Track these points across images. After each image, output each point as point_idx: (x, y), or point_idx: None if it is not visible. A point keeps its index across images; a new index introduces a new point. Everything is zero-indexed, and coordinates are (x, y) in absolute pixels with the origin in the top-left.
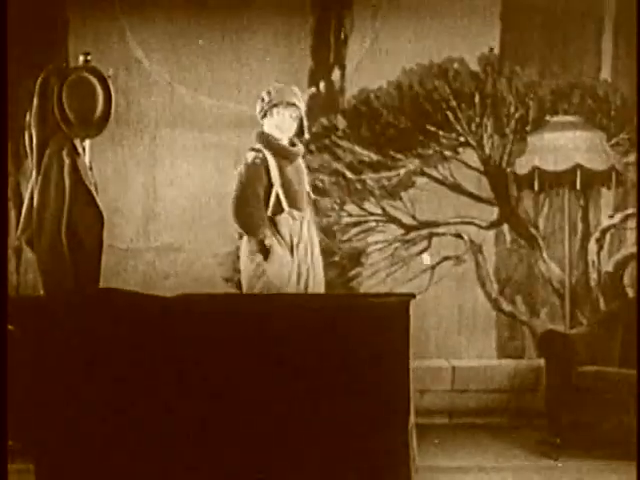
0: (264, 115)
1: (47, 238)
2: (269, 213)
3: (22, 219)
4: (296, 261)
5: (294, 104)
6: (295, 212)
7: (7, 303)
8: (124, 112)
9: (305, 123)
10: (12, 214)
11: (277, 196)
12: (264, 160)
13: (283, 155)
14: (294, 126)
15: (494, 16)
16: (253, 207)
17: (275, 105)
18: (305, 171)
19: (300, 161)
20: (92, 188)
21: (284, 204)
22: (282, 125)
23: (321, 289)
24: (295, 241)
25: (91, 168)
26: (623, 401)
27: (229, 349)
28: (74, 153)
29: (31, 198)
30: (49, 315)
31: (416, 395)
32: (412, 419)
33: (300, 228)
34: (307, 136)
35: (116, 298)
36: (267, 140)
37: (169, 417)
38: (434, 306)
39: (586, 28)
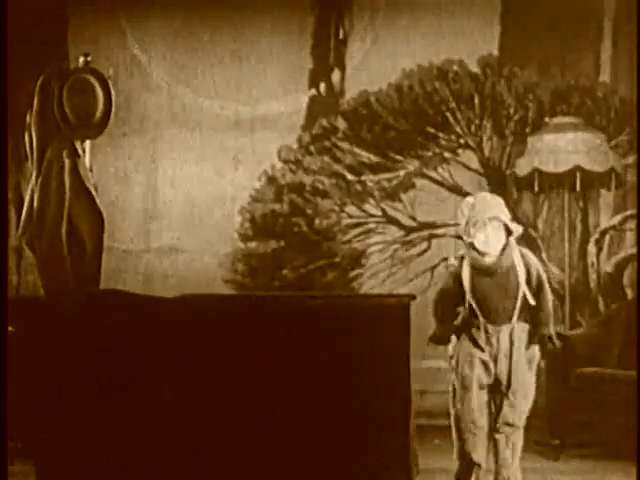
0: (468, 233)
1: (47, 239)
2: (458, 321)
3: (22, 220)
4: (492, 373)
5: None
6: (490, 326)
7: (7, 304)
8: (124, 113)
9: (510, 225)
10: (12, 215)
11: (470, 305)
12: (457, 268)
13: (480, 270)
14: (501, 234)
15: (494, 18)
16: (443, 310)
17: (475, 224)
18: (517, 283)
19: (512, 272)
20: (92, 189)
21: (479, 316)
22: (488, 239)
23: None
24: (492, 353)
25: (91, 169)
26: (622, 402)
27: (229, 350)
28: (74, 154)
29: (31, 199)
30: (49, 316)
31: (416, 396)
32: (412, 420)
33: (498, 341)
34: (517, 231)
35: (116, 299)
36: (469, 254)
37: (169, 417)
38: None
39: (585, 30)
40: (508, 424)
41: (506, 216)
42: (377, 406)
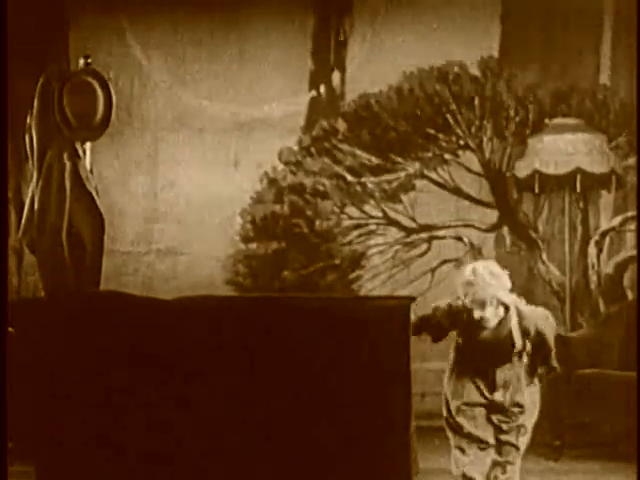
0: (466, 304)
1: (48, 241)
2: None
3: (23, 222)
4: (487, 399)
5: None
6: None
7: (8, 305)
8: (124, 115)
9: (509, 300)
10: (13, 216)
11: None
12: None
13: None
14: (499, 309)
15: (494, 20)
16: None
17: (473, 301)
18: (514, 345)
19: (509, 338)
20: (93, 191)
21: (481, 361)
22: (485, 316)
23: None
24: (489, 386)
25: (92, 171)
26: (623, 402)
27: (229, 352)
28: (75, 156)
29: (32, 201)
30: (50, 317)
31: (417, 398)
32: (412, 422)
33: (495, 378)
34: (516, 303)
35: (116, 301)
36: (467, 319)
37: (169, 418)
38: None
39: (585, 31)
40: (516, 428)
41: (505, 289)
42: (378, 407)
